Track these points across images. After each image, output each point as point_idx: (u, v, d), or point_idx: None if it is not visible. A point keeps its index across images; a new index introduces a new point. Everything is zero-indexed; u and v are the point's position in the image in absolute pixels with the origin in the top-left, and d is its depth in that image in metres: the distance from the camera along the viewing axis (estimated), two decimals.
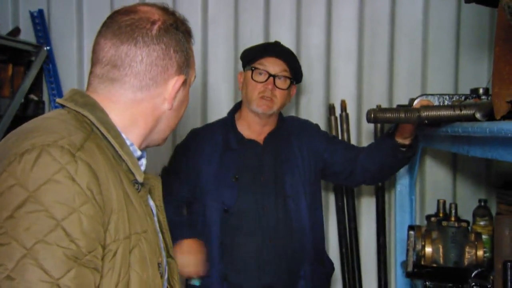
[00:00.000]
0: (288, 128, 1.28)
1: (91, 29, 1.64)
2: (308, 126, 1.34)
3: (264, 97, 1.15)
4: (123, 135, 0.48)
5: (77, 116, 0.45)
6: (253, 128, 1.23)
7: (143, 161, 0.56)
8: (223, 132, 1.23)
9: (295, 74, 1.24)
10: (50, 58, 1.74)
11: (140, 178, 0.49)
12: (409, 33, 1.68)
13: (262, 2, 1.69)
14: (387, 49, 1.68)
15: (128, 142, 0.49)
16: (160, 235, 0.60)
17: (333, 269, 1.31)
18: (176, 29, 0.51)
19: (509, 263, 0.73)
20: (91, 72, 0.51)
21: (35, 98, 1.69)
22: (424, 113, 0.85)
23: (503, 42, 0.67)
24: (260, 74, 1.17)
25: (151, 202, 0.59)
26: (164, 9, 0.53)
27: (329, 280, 1.32)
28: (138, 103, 0.49)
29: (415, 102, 1.09)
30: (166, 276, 0.64)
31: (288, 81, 1.20)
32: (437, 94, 1.15)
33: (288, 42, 1.47)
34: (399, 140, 1.09)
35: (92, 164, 0.38)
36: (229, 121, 1.26)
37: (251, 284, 1.14)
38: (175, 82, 0.51)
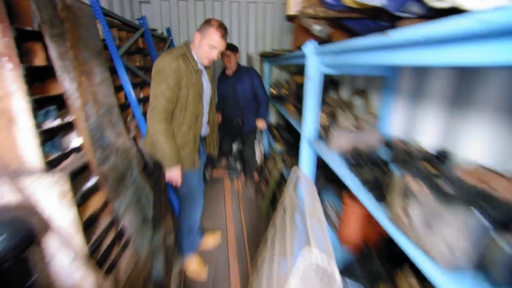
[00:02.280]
0: (242, 69, 3.02)
1: None
2: (253, 71, 3.08)
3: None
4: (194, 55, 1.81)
5: (182, 47, 1.78)
6: (228, 71, 3.03)
7: (202, 67, 1.87)
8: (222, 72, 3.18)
9: (234, 50, 2.89)
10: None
11: (196, 69, 1.77)
12: None
13: None
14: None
15: (195, 57, 1.80)
16: (205, 93, 1.90)
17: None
18: (207, 23, 1.74)
19: None
20: None
21: None
22: None
23: None
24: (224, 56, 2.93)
25: (205, 78, 1.91)
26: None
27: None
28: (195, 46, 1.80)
29: None
30: (203, 121, 1.98)
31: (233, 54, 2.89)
32: None
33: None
34: None
35: (178, 63, 1.66)
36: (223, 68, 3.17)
37: (232, 113, 3.16)
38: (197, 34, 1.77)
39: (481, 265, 0.56)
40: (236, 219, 2.90)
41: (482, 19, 0.45)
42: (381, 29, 1.08)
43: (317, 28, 1.44)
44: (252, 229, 2.75)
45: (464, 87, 1.19)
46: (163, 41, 3.40)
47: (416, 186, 0.65)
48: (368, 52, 0.95)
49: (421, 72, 1.48)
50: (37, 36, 1.44)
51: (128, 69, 2.24)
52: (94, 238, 1.90)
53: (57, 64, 1.51)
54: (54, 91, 1.61)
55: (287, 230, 1.36)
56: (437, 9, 0.62)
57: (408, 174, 0.69)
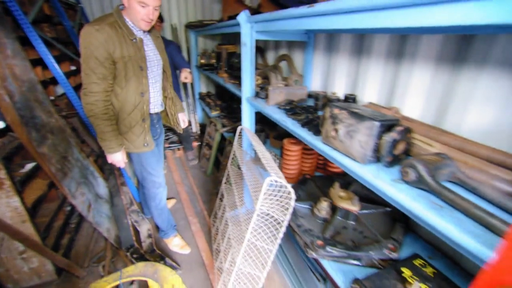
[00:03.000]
0: (163, 40, 2.36)
1: None
2: (171, 41, 2.97)
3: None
4: (128, 23, 1.56)
5: (111, 14, 1.52)
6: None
7: (140, 33, 1.62)
8: None
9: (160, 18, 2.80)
10: None
11: (132, 37, 1.54)
12: None
13: None
14: None
15: (130, 24, 1.56)
16: (151, 64, 1.70)
17: None
18: None
19: None
20: None
21: None
22: None
23: None
24: None
25: (151, 47, 1.71)
26: None
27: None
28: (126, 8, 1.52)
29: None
30: (153, 96, 1.77)
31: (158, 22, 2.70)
32: None
33: None
34: None
35: (107, 33, 1.43)
36: None
37: None
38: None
39: (378, 157, 0.93)
40: (185, 183, 3.06)
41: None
42: (303, 2, 1.35)
43: None
44: (202, 188, 2.97)
45: (364, 44, 1.60)
46: (72, 9, 2.99)
47: (340, 112, 0.98)
48: (297, 19, 1.21)
49: (332, 36, 1.86)
50: None
51: (43, 40, 1.98)
52: (44, 224, 1.83)
53: None
54: None
55: (244, 175, 1.64)
56: None
57: (334, 107, 1.02)
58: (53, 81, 2.38)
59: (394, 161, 0.90)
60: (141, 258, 1.74)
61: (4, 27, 1.72)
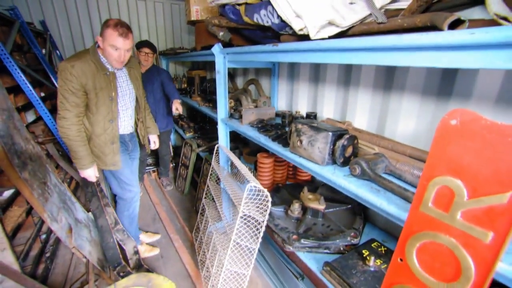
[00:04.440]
0: (154, 69, 3.02)
1: None
2: (163, 70, 3.10)
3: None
4: (102, 59, 1.77)
5: (87, 51, 1.72)
6: (142, 69, 2.95)
7: (115, 71, 1.82)
8: None
9: (153, 50, 2.96)
10: None
11: (104, 72, 1.74)
12: None
13: None
14: None
15: (103, 60, 1.76)
16: (123, 94, 1.92)
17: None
18: (104, 24, 1.65)
19: None
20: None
21: None
22: None
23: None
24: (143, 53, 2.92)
25: (124, 79, 1.93)
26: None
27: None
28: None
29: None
30: (122, 122, 1.98)
31: (151, 53, 2.94)
32: None
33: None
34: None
35: (81, 68, 1.64)
36: None
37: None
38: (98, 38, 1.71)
39: (334, 159, 1.20)
40: (163, 204, 3.11)
41: (319, 44, 1.04)
42: (267, 37, 1.65)
43: (221, 33, 1.90)
44: (180, 207, 3.05)
45: (320, 72, 1.94)
46: (41, 36, 3.04)
47: (302, 127, 1.24)
48: (263, 53, 1.49)
49: (293, 65, 2.19)
50: None
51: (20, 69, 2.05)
52: (22, 250, 1.82)
53: None
54: None
55: (226, 187, 1.82)
56: (298, 33, 1.20)
57: (298, 123, 1.28)
58: (23, 108, 2.39)
59: (345, 161, 1.17)
60: (129, 275, 1.79)
61: None
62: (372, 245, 1.40)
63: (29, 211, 1.93)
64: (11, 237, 1.70)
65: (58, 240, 2.47)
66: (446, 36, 0.63)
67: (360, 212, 1.64)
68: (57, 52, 3.39)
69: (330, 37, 1.09)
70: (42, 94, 2.94)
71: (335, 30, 1.09)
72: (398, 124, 1.42)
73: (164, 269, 2.17)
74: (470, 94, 1.13)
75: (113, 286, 1.37)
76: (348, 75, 1.70)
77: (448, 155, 0.71)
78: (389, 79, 1.45)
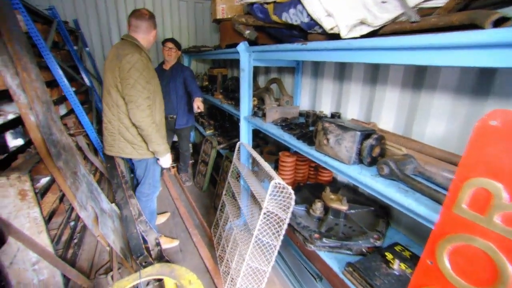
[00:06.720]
0: (178, 66, 3.14)
1: None
2: (186, 68, 3.16)
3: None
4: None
5: (131, 43, 1.84)
6: (166, 65, 3.17)
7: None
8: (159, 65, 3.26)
9: (177, 46, 3.09)
10: None
11: (150, 59, 1.98)
12: None
13: None
14: None
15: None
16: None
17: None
18: (151, 17, 1.91)
19: None
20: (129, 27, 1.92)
21: None
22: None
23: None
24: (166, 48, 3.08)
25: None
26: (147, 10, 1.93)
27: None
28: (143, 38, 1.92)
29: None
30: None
31: (175, 49, 3.07)
32: None
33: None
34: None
35: (146, 58, 1.84)
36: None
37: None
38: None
39: (361, 158, 1.19)
40: (182, 199, 3.19)
41: (350, 43, 1.04)
42: (293, 36, 1.66)
43: (247, 32, 1.92)
44: (199, 203, 3.11)
45: (344, 70, 1.92)
46: (73, 34, 3.20)
47: (329, 125, 1.24)
48: (291, 52, 1.50)
49: (317, 64, 2.18)
50: None
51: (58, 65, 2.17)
52: (55, 235, 1.93)
53: None
54: None
55: (250, 183, 1.84)
56: (328, 32, 1.20)
57: (325, 122, 1.28)
58: (57, 102, 2.53)
59: (373, 161, 1.16)
60: (151, 265, 1.85)
61: (31, 54, 1.90)
62: (396, 248, 1.38)
63: (61, 198, 2.04)
64: (48, 220, 1.81)
65: (84, 228, 2.60)
66: (492, 34, 0.62)
67: (383, 215, 1.62)
68: (86, 49, 3.56)
69: (361, 36, 1.09)
70: (73, 89, 3.10)
71: (366, 30, 1.09)
72: (427, 125, 1.38)
73: (183, 263, 2.23)
74: (511, 94, 1.08)
75: (138, 274, 1.43)
76: (375, 74, 1.68)
77: (486, 157, 0.70)
78: (419, 78, 1.41)
